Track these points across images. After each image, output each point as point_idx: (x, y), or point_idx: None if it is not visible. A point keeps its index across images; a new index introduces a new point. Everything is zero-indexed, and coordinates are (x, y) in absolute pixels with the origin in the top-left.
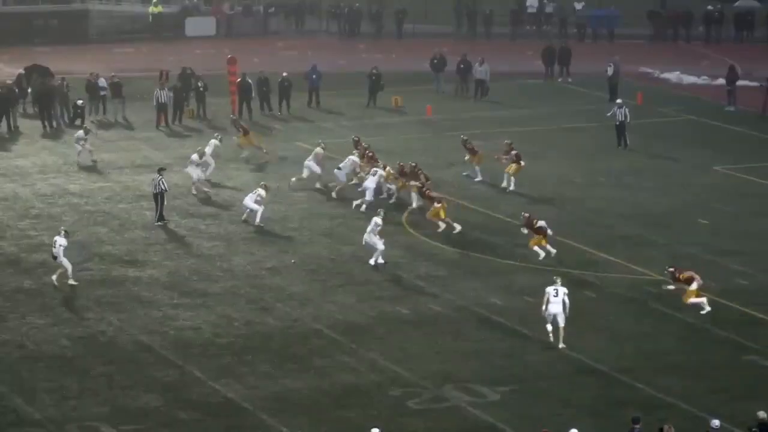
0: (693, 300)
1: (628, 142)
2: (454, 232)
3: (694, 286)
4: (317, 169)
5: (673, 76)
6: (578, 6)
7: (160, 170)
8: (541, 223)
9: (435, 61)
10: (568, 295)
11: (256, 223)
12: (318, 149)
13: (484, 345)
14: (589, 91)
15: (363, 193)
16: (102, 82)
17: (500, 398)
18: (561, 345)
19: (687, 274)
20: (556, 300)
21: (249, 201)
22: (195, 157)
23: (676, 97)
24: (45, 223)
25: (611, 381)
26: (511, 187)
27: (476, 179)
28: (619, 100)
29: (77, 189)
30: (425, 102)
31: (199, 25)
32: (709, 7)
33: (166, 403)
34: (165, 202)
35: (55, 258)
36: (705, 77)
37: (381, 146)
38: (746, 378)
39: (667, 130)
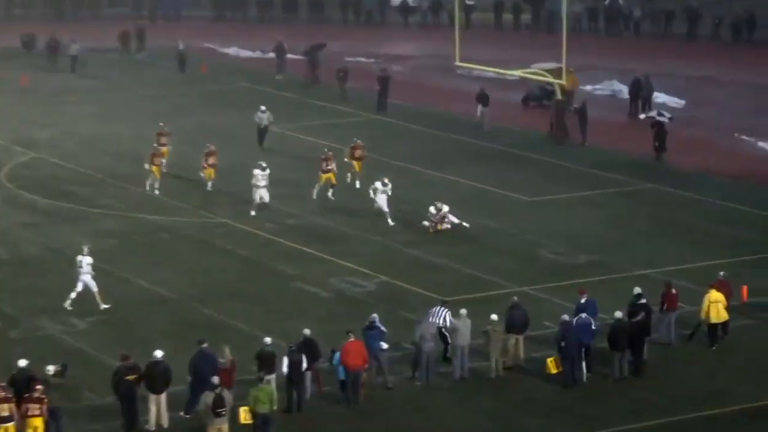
0: None
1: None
2: None
3: None
4: None
5: (231, 50)
6: None
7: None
8: None
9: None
10: None
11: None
12: None
13: (70, 280)
14: (162, 63)
15: None
16: None
17: (88, 327)
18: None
19: None
20: (87, 269)
21: None
22: None
23: (236, 69)
24: None
25: (183, 307)
26: None
27: None
28: (263, 107)
29: None
30: (20, 73)
31: None
32: None
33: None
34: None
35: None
36: (259, 52)
37: None
38: (294, 301)
39: (230, 98)
